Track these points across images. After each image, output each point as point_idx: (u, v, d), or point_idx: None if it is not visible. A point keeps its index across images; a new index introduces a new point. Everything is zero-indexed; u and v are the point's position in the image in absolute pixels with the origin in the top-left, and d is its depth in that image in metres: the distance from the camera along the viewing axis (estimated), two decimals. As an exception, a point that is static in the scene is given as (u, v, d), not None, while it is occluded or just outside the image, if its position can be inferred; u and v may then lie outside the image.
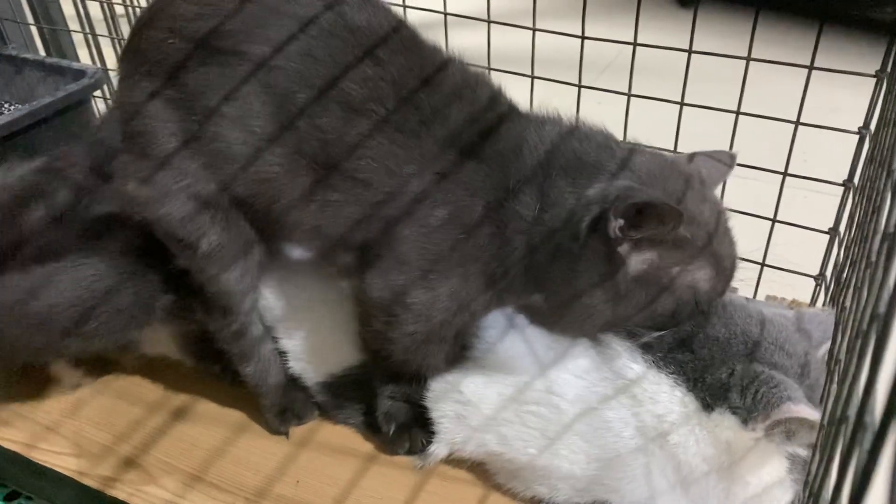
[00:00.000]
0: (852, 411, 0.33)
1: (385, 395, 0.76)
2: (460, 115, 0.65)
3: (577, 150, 0.64)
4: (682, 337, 0.67)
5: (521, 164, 0.64)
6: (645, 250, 0.62)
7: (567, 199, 0.62)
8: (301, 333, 0.79)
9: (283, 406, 0.80)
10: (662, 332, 0.67)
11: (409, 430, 0.75)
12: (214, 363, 0.83)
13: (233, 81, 0.63)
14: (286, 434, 0.80)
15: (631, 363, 0.67)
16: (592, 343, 0.70)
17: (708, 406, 0.64)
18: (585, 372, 0.69)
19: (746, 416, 0.62)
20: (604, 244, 0.61)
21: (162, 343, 0.84)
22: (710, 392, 0.64)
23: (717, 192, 0.71)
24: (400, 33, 0.66)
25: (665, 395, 0.66)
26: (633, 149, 0.67)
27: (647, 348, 0.67)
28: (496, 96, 0.69)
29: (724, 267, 0.66)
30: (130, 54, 0.68)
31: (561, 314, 0.66)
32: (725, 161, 0.72)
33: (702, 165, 0.69)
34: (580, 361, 0.69)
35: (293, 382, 0.80)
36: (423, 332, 0.68)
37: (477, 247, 0.64)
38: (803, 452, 0.64)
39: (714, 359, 0.65)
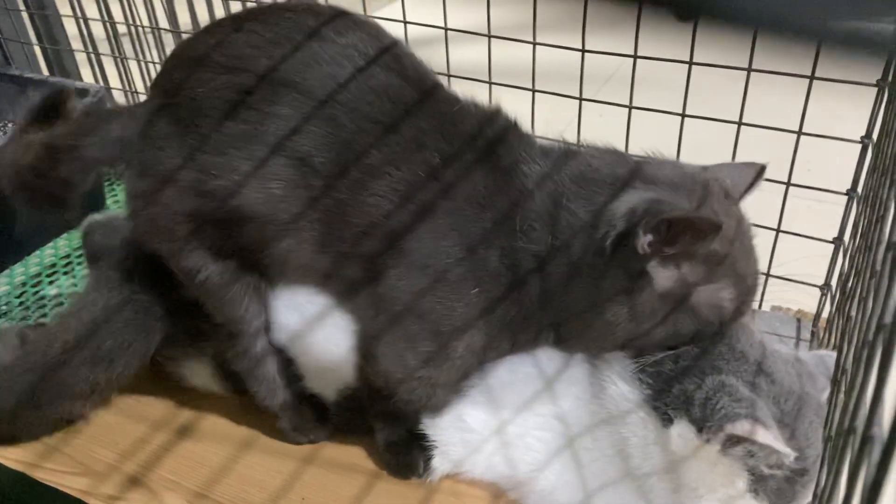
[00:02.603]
0: (860, 423, 0.32)
1: (382, 430, 0.76)
2: (474, 172, 0.64)
3: (586, 170, 0.63)
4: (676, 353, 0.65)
5: (529, 203, 0.63)
6: (672, 266, 0.60)
7: (582, 219, 0.61)
8: (313, 348, 0.79)
9: (293, 424, 0.79)
10: (665, 354, 0.65)
11: (411, 456, 0.75)
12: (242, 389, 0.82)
13: (254, 142, 0.63)
14: (310, 442, 0.80)
15: (628, 394, 0.65)
16: (592, 366, 0.69)
17: (668, 419, 0.62)
18: (585, 396, 0.68)
19: (701, 426, 0.60)
20: (630, 260, 0.59)
21: (204, 376, 0.85)
22: (674, 403, 0.63)
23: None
24: (424, 94, 0.65)
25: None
26: (650, 160, 0.66)
27: (645, 376, 0.65)
28: (506, 137, 0.67)
29: (748, 285, 0.64)
30: (159, 90, 0.69)
31: (581, 332, 0.65)
32: (752, 172, 0.69)
33: (727, 177, 0.67)
34: (581, 386, 0.68)
35: (306, 400, 0.80)
36: (432, 386, 0.69)
37: (494, 298, 0.64)
38: (769, 471, 0.61)
39: (690, 368, 0.63)
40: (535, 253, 0.62)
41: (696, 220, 0.57)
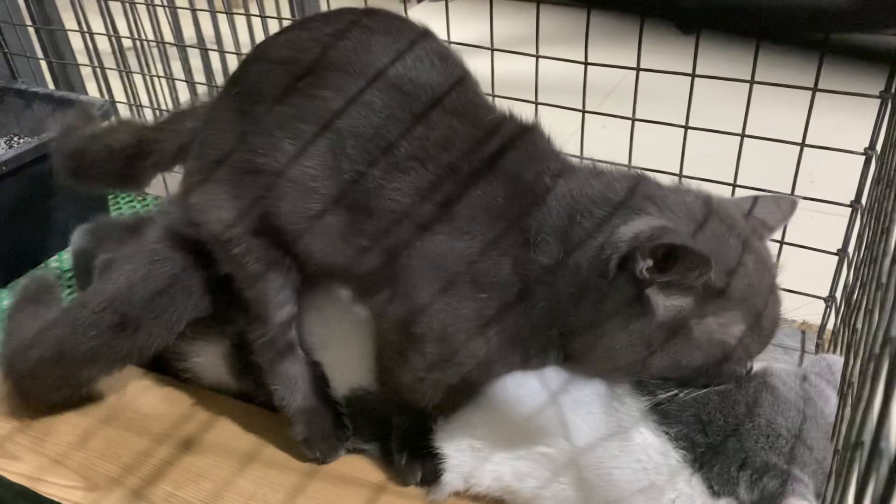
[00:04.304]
0: (867, 437, 0.32)
1: (399, 425, 0.76)
2: (497, 179, 0.65)
3: (605, 191, 0.63)
4: (699, 415, 0.64)
5: (545, 217, 0.63)
6: (675, 296, 0.60)
7: (593, 238, 0.61)
8: (332, 344, 0.80)
9: (307, 435, 0.78)
10: (679, 390, 0.64)
11: (421, 460, 0.74)
12: (256, 386, 0.83)
13: (296, 121, 0.67)
14: (317, 460, 0.79)
15: (641, 428, 0.64)
16: (606, 390, 0.67)
17: (715, 493, 0.61)
18: (595, 419, 0.67)
19: None
20: (632, 285, 0.59)
21: (214, 368, 0.86)
22: (718, 481, 0.62)
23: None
24: (458, 93, 0.68)
25: (669, 470, 0.63)
26: (678, 188, 0.66)
27: (661, 415, 0.64)
28: (536, 150, 0.68)
29: (762, 326, 0.62)
30: (230, 84, 0.76)
31: (584, 352, 0.65)
32: (786, 206, 0.69)
33: (764, 211, 0.66)
34: (592, 407, 0.67)
35: (326, 414, 0.79)
36: (441, 382, 0.69)
37: (502, 307, 0.64)
38: None
39: (728, 448, 0.62)
40: (546, 266, 0.62)
41: (690, 251, 0.57)
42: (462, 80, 0.69)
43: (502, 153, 0.66)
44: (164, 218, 0.84)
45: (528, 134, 0.69)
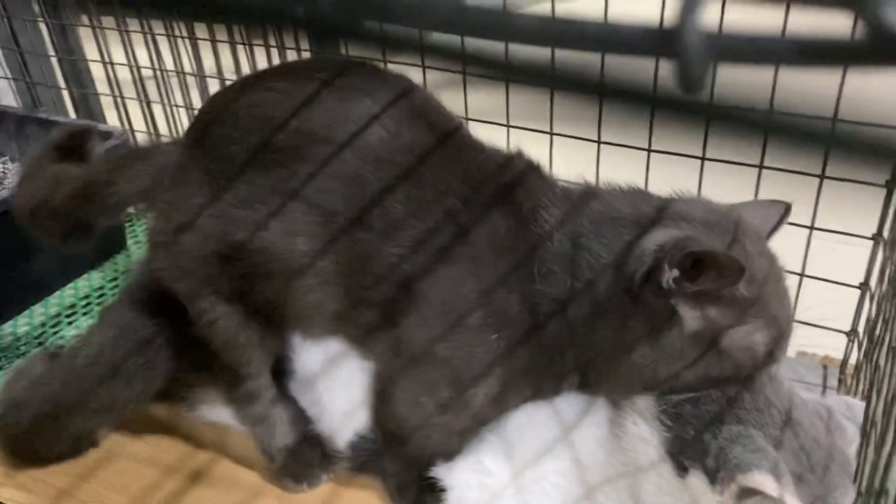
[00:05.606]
0: (892, 485, 0.31)
1: (394, 474, 0.75)
2: (494, 218, 0.64)
3: (608, 211, 0.63)
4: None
5: (546, 247, 0.63)
6: (701, 306, 0.58)
7: (605, 259, 0.60)
8: (331, 389, 0.79)
9: (291, 468, 0.78)
10: (687, 396, 0.63)
11: (420, 498, 0.73)
12: None
13: (281, 198, 0.64)
14: (301, 491, 0.78)
15: (649, 448, 0.64)
16: (614, 407, 0.67)
17: (682, 467, 0.60)
18: (604, 435, 0.66)
19: (714, 477, 0.58)
20: (658, 298, 0.58)
21: (218, 413, 0.85)
22: (689, 453, 0.60)
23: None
24: (448, 144, 0.66)
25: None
26: (680, 198, 0.65)
27: (666, 417, 0.63)
28: (527, 181, 0.67)
29: (781, 329, 0.61)
30: (192, 139, 0.72)
31: (608, 375, 0.64)
32: (778, 211, 0.68)
33: (755, 216, 0.65)
34: (602, 428, 0.66)
35: (308, 444, 0.79)
36: (449, 433, 0.68)
37: (514, 344, 0.63)
38: None
39: (709, 416, 0.61)
40: (555, 296, 0.61)
41: (720, 258, 0.56)
42: (449, 128, 0.68)
43: (495, 190, 0.65)
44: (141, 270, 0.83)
45: (516, 164, 0.68)
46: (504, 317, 0.62)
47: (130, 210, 0.78)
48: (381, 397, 0.70)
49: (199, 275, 0.69)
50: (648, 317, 0.59)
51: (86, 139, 0.88)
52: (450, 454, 0.71)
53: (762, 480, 0.55)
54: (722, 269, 0.56)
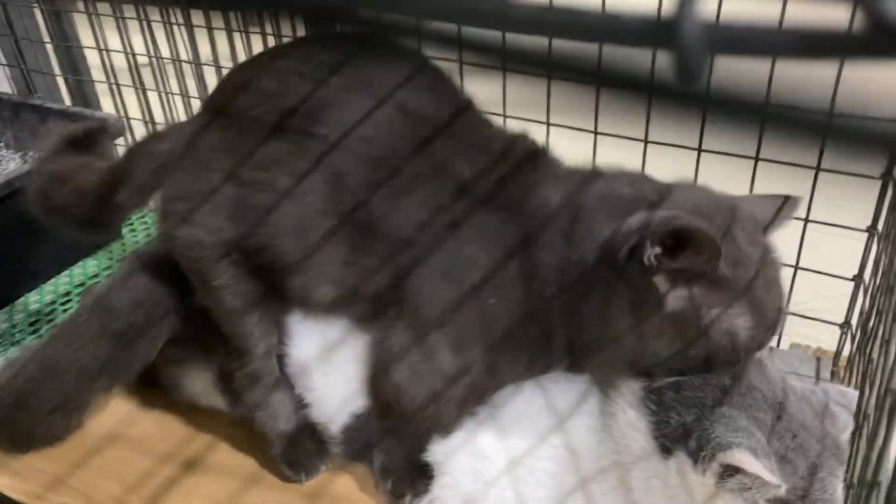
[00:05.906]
0: (884, 478, 0.31)
1: (382, 450, 0.75)
2: (500, 187, 0.66)
3: (609, 189, 0.64)
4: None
5: (549, 218, 0.63)
6: (683, 286, 0.59)
7: (600, 234, 0.61)
8: (327, 372, 0.78)
9: (290, 456, 0.78)
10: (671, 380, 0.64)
11: (409, 479, 0.73)
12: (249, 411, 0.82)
13: (298, 160, 0.66)
14: (298, 481, 0.78)
15: (637, 434, 0.64)
16: (604, 394, 0.67)
17: (666, 450, 0.61)
18: (595, 424, 0.67)
19: (696, 457, 0.59)
20: (641, 276, 0.59)
21: (208, 396, 0.85)
22: (672, 436, 0.61)
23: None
24: (457, 118, 0.68)
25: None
26: (679, 184, 0.66)
27: (651, 403, 0.64)
28: (533, 156, 0.69)
29: (767, 317, 0.62)
30: (209, 109, 0.74)
31: (591, 351, 0.64)
32: (784, 204, 0.68)
33: (757, 207, 0.66)
34: (594, 420, 0.67)
35: (307, 433, 0.79)
36: (444, 401, 0.68)
37: (511, 310, 0.63)
38: None
39: (692, 399, 0.62)
40: (553, 266, 0.62)
41: (699, 235, 0.56)
42: (460, 103, 0.70)
43: (502, 162, 0.67)
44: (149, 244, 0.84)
45: (522, 142, 0.70)
46: (502, 282, 0.63)
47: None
48: (379, 366, 0.70)
49: (213, 240, 0.70)
50: (632, 294, 0.60)
51: (98, 133, 0.90)
52: (446, 427, 0.71)
53: (741, 458, 0.56)
54: (699, 247, 0.57)
